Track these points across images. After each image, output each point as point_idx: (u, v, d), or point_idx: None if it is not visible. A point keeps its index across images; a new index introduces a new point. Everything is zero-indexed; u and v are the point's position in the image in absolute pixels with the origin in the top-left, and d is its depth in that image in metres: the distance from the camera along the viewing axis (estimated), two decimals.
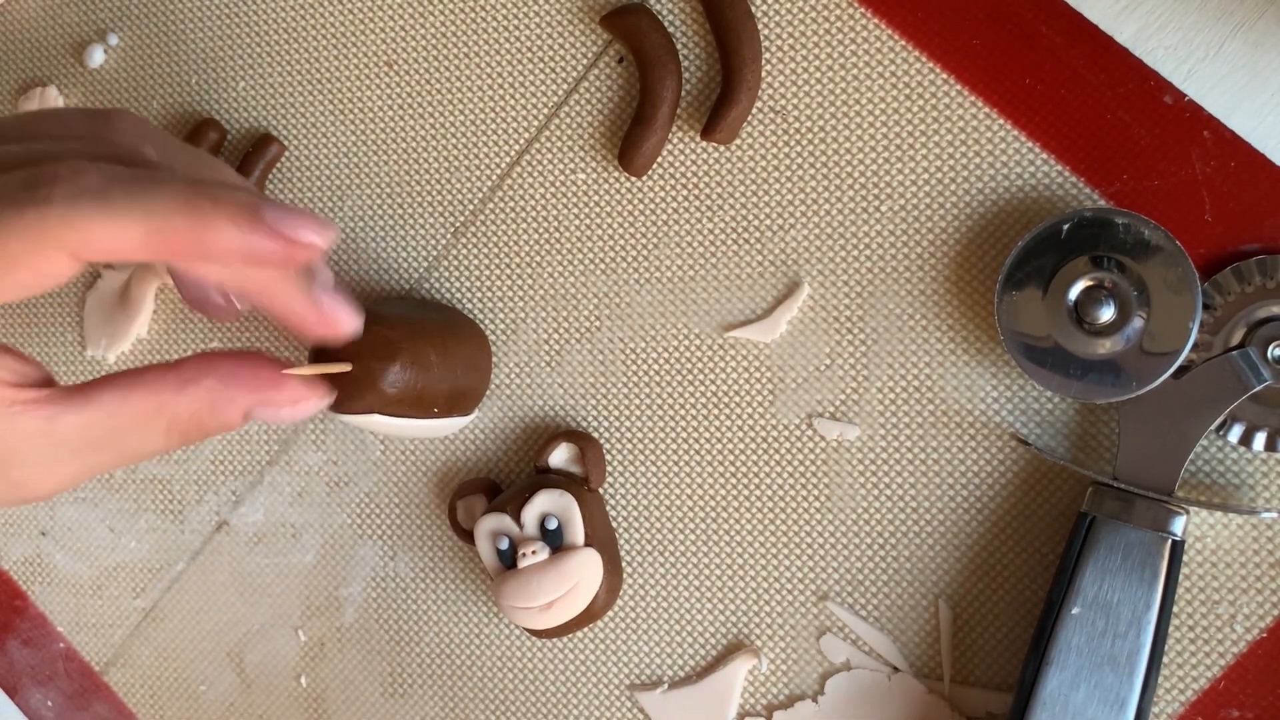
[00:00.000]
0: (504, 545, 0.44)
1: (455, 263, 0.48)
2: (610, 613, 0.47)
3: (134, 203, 0.32)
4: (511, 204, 0.47)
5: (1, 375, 0.36)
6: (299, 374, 0.42)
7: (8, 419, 0.36)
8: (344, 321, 0.38)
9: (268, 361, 0.37)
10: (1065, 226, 0.40)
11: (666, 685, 0.47)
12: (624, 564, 0.47)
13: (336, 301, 0.37)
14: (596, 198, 0.46)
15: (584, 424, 0.47)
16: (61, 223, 0.31)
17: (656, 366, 0.46)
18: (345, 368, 0.41)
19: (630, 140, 0.45)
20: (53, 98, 0.52)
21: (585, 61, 0.46)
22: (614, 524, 0.47)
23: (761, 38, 0.44)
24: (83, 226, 0.31)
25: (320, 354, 0.42)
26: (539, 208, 0.47)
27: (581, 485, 0.45)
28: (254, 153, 0.49)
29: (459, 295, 0.48)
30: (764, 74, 0.44)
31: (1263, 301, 0.40)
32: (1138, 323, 0.40)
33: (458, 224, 0.48)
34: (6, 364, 0.36)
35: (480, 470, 0.48)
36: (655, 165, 0.46)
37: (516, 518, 0.44)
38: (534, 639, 0.48)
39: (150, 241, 0.32)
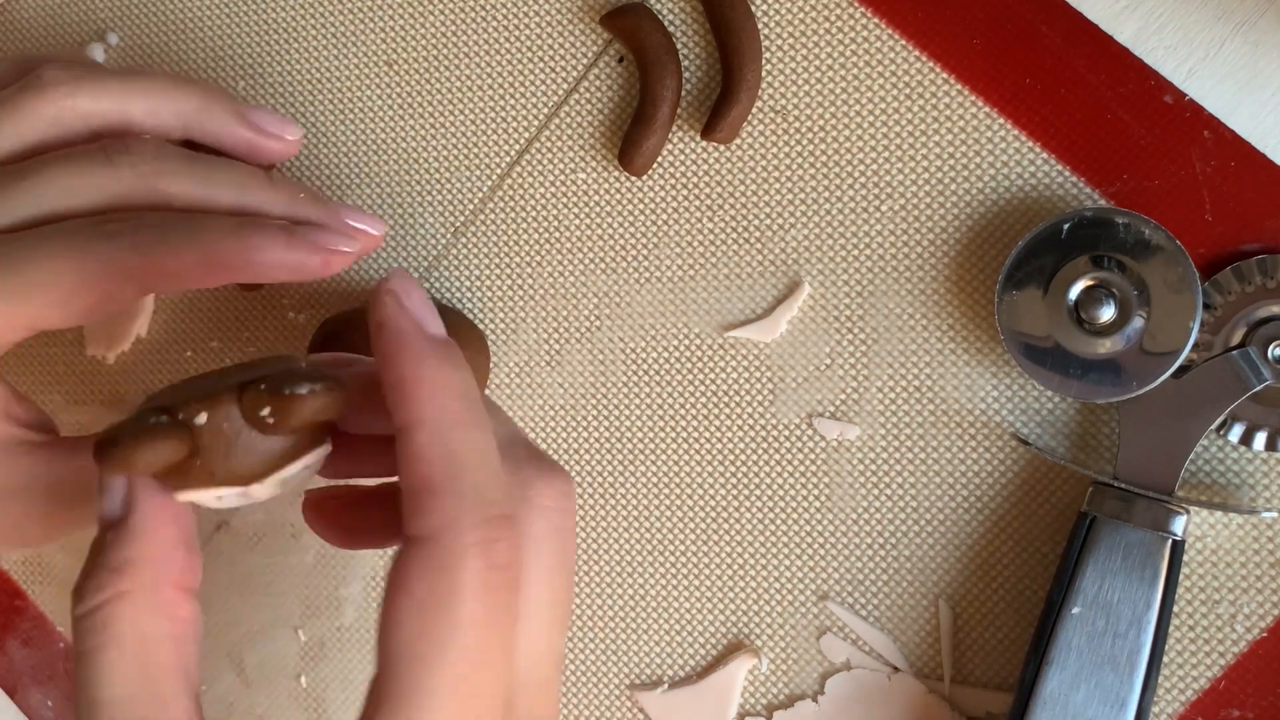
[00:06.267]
0: None
1: (455, 263, 0.48)
2: (610, 613, 0.47)
3: (191, 233, 0.37)
4: (511, 204, 0.47)
5: (15, 413, 0.39)
6: None
7: (14, 457, 0.38)
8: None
9: None
10: (1065, 226, 0.40)
11: (666, 685, 0.47)
12: (624, 564, 0.47)
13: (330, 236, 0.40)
14: (596, 198, 0.46)
15: (584, 424, 0.47)
16: (133, 250, 0.36)
17: (656, 366, 0.46)
18: None
19: (630, 140, 0.45)
20: None
21: (585, 61, 0.46)
22: (614, 524, 0.47)
23: (761, 38, 0.44)
24: (149, 253, 0.36)
25: (318, 352, 0.42)
26: (539, 208, 0.47)
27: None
28: None
29: (458, 295, 0.48)
30: (764, 74, 0.44)
31: (1263, 301, 0.40)
32: (1138, 322, 0.40)
33: (458, 224, 0.48)
34: (18, 405, 0.39)
35: None
36: (655, 165, 0.46)
37: None
38: None
39: (206, 262, 0.37)
